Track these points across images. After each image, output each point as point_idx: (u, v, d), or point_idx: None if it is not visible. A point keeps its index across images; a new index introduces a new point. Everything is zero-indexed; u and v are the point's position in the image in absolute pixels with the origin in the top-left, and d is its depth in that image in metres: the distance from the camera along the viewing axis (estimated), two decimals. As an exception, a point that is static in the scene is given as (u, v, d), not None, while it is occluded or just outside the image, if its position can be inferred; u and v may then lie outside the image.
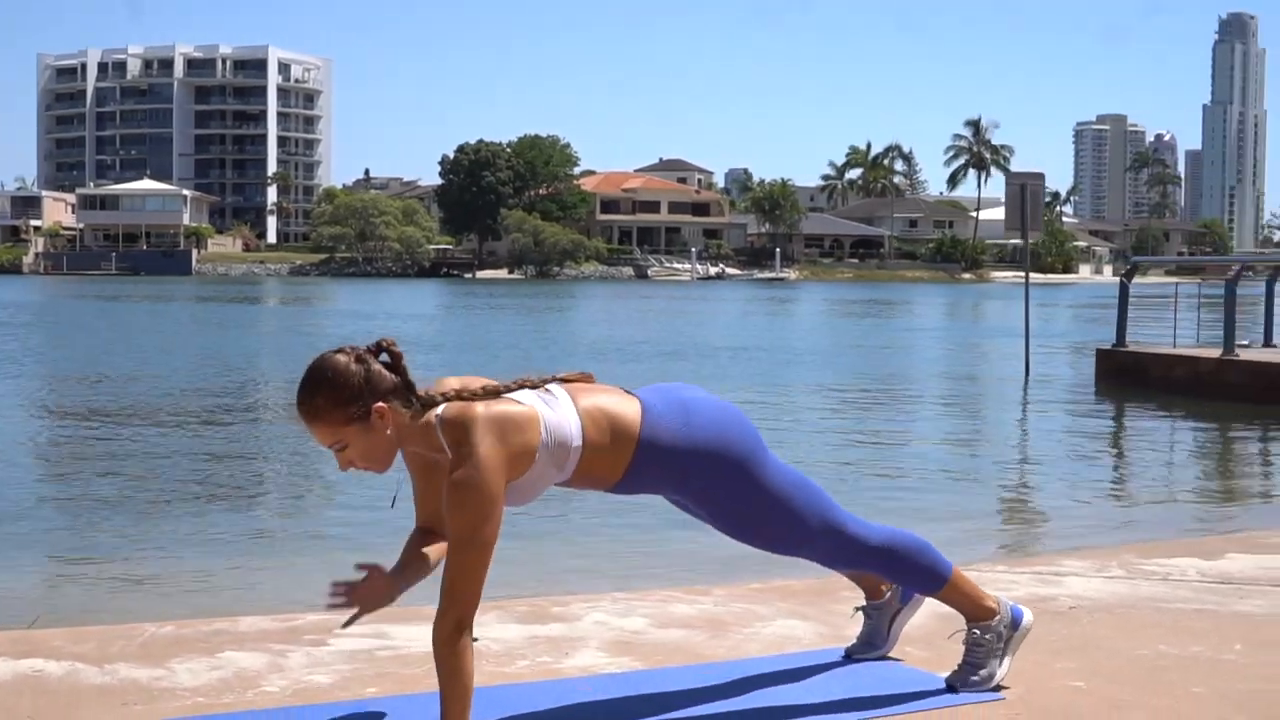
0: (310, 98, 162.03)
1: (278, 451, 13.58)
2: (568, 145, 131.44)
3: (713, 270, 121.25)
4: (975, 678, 3.85)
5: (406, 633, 4.47)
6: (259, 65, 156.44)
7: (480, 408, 3.35)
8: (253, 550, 8.63)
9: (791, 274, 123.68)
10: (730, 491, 3.58)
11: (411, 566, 3.66)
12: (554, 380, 3.52)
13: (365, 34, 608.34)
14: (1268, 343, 20.56)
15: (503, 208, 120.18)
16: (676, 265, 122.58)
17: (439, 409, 3.36)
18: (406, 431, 3.36)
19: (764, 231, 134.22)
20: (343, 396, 3.28)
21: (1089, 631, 4.56)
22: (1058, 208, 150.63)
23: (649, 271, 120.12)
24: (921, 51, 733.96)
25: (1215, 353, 18.81)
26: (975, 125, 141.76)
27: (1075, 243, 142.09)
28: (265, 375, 23.33)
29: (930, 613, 4.35)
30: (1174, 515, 10.11)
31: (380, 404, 3.30)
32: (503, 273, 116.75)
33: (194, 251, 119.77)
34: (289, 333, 37.49)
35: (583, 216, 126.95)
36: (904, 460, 13.23)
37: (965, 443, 15.11)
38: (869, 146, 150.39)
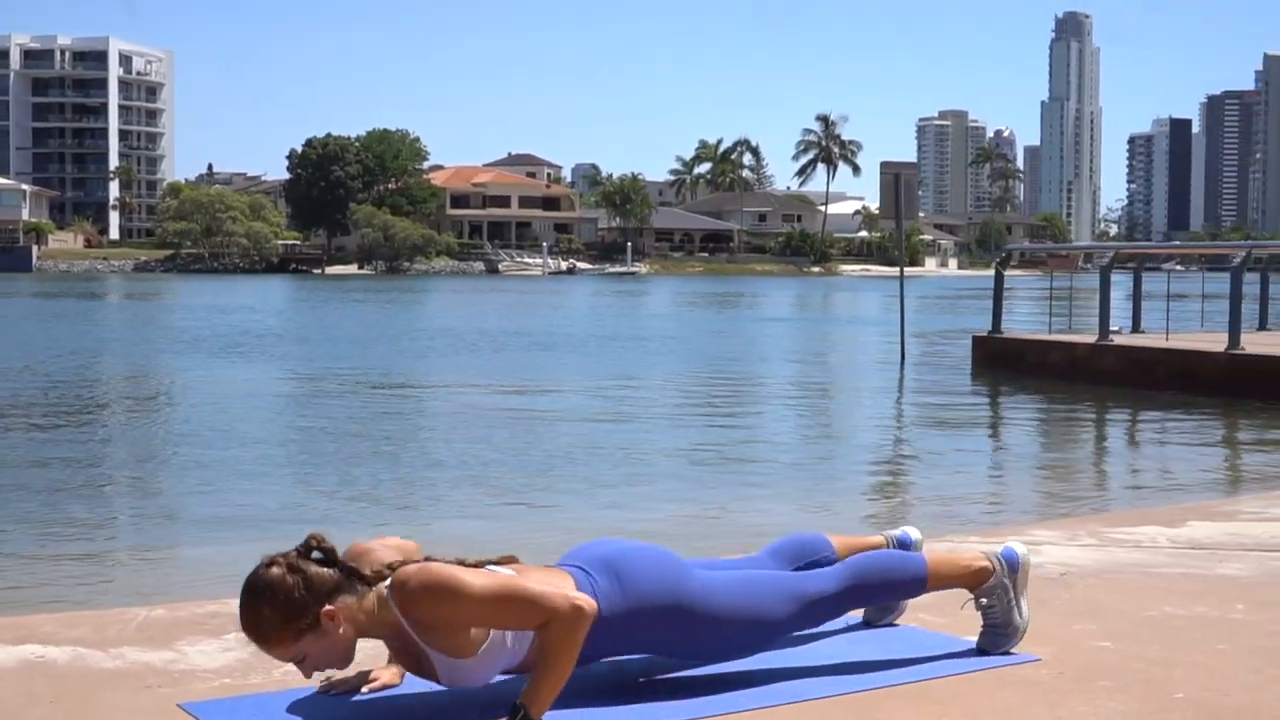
0: (152, 90, 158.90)
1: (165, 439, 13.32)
2: (417, 139, 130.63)
3: (564, 265, 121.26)
4: (1003, 635, 3.87)
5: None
6: (99, 57, 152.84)
7: (432, 561, 3.30)
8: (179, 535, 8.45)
9: (643, 268, 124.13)
10: (686, 633, 3.53)
11: None
12: (488, 562, 3.41)
13: (207, 26, 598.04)
14: (1136, 329, 21.06)
15: (352, 202, 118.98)
16: (528, 260, 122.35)
17: (386, 581, 3.27)
18: (364, 620, 3.27)
19: (614, 226, 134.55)
20: (288, 613, 3.18)
21: (1089, 596, 4.61)
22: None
23: (500, 266, 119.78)
24: (768, 46, 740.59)
25: (1090, 339, 19.23)
26: (825, 120, 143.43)
27: (921, 236, 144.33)
28: (132, 368, 22.83)
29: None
30: (1097, 490, 10.31)
31: (329, 607, 3.20)
32: (352, 268, 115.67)
33: (34, 248, 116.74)
34: (148, 326, 36.74)
35: (433, 211, 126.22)
36: (788, 448, 13.37)
37: (852, 432, 15.26)
38: (720, 142, 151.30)
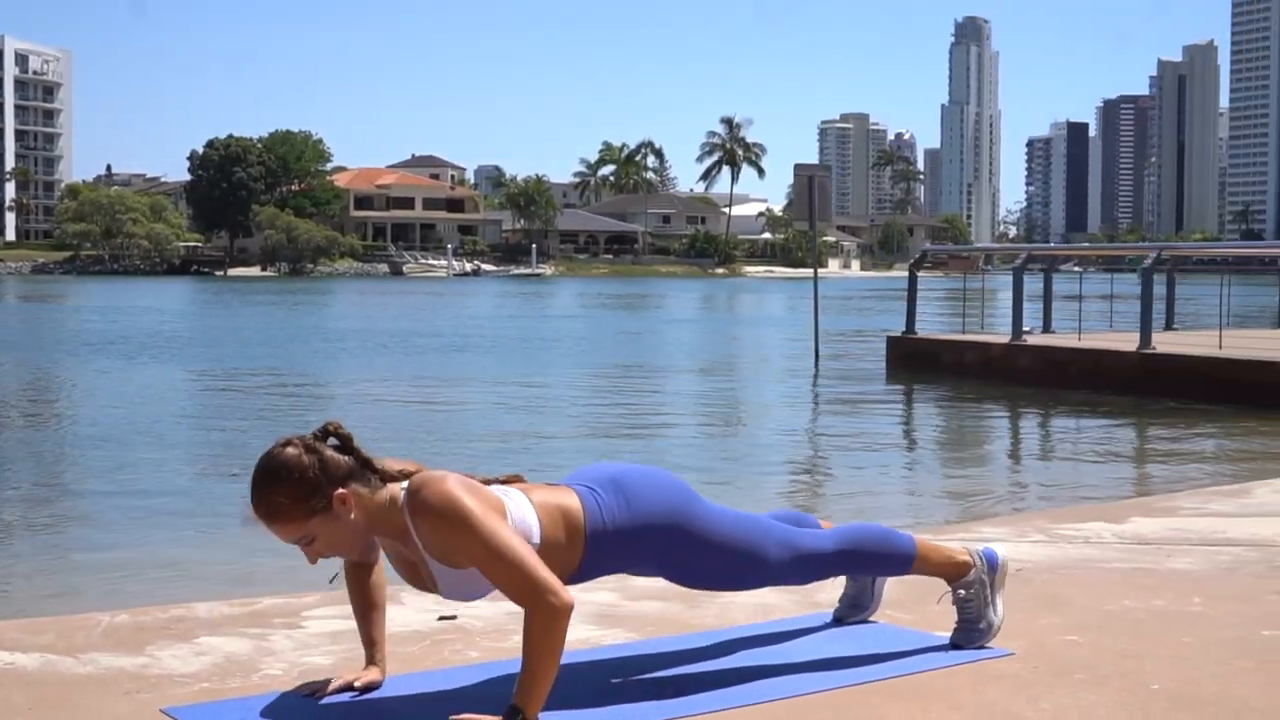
0: (49, 90, 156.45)
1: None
2: (320, 140, 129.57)
3: (469, 266, 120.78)
4: (976, 632, 3.92)
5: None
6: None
7: (450, 473, 3.30)
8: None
9: (548, 270, 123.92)
10: (684, 553, 3.57)
11: (375, 623, 3.61)
12: (495, 480, 3.44)
13: (105, 25, 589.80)
14: (1047, 329, 21.35)
15: (254, 204, 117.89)
16: (432, 262, 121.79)
17: (403, 484, 3.29)
18: (374, 512, 3.28)
19: (519, 228, 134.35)
20: (301, 491, 3.19)
21: (1048, 590, 4.67)
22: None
23: (404, 268, 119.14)
24: (671, 48, 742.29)
25: (1003, 339, 19.47)
26: (729, 123, 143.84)
27: (825, 238, 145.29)
28: (37, 371, 22.49)
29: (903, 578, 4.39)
30: (1030, 488, 10.45)
31: (341, 490, 3.22)
32: (255, 270, 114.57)
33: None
34: (51, 328, 36.16)
35: (336, 213, 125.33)
36: (707, 451, 13.44)
37: (770, 435, 15.30)
38: (624, 145, 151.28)
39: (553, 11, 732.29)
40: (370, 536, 3.35)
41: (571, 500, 3.45)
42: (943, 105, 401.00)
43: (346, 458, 3.26)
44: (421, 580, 3.37)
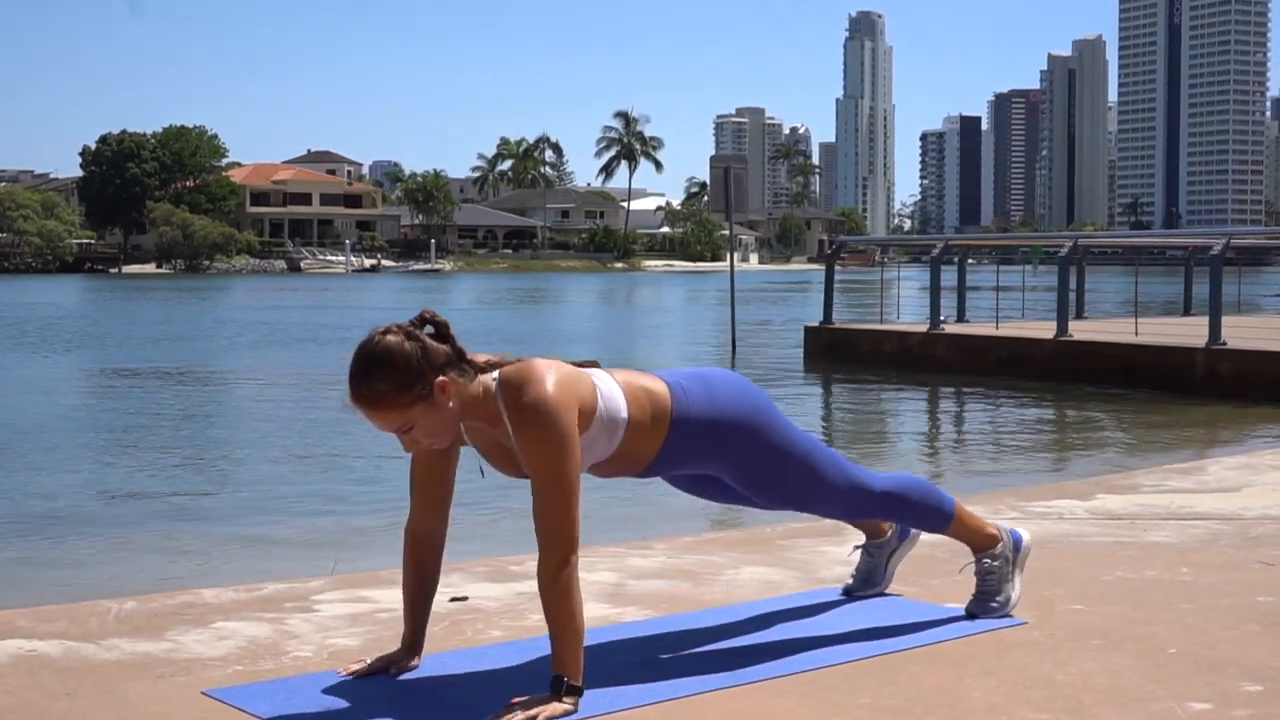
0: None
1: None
2: (215, 136, 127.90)
3: (368, 262, 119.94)
4: (994, 604, 4.01)
5: (392, 595, 4.38)
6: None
7: (540, 361, 3.34)
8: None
9: (447, 265, 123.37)
10: (757, 455, 3.66)
11: (425, 603, 3.65)
12: (579, 364, 3.49)
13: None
14: (961, 318, 21.63)
15: (149, 200, 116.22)
16: (330, 258, 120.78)
17: (495, 374, 3.32)
18: (469, 401, 3.30)
19: (417, 223, 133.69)
20: (405, 379, 3.20)
21: (1042, 564, 4.75)
22: (704, 198, 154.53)
23: (302, 264, 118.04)
24: (567, 43, 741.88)
25: (921, 328, 19.70)
26: (625, 117, 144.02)
27: (722, 232, 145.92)
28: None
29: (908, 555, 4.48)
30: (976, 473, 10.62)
31: (442, 378, 3.23)
32: (150, 267, 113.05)
33: None
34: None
35: (232, 209, 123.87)
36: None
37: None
38: (522, 140, 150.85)
39: (447, 6, 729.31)
40: (462, 423, 3.35)
41: (659, 385, 3.55)
42: (837, 99, 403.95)
43: (444, 345, 3.28)
44: (514, 464, 3.37)
